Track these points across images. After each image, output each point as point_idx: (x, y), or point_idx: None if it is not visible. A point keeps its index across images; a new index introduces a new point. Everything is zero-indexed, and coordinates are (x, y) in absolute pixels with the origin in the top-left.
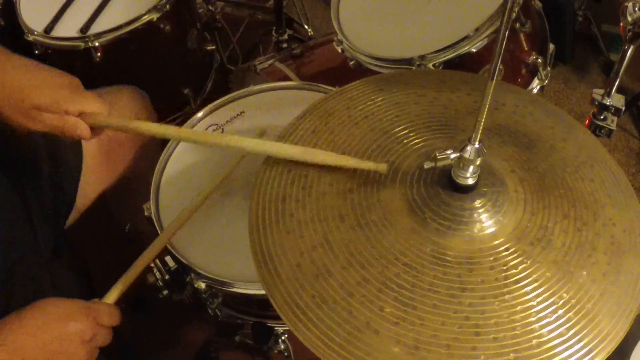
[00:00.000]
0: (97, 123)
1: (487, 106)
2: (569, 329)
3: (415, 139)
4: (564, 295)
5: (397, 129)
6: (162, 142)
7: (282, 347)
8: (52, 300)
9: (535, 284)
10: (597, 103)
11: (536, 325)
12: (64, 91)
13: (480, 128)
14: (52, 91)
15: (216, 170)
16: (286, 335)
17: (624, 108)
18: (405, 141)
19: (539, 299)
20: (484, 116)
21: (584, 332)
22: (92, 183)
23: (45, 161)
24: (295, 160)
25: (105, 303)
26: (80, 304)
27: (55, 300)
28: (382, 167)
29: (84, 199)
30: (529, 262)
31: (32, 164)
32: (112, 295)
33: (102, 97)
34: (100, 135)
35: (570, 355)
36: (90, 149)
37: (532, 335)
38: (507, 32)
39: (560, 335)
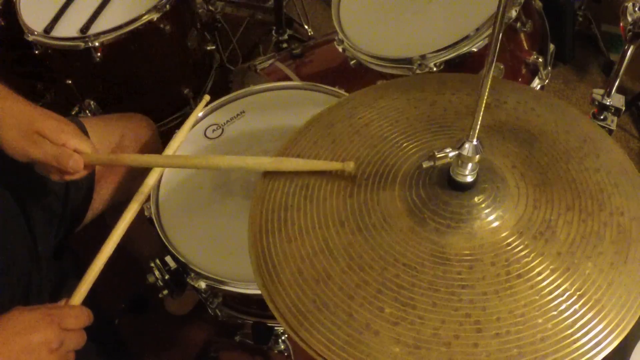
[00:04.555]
0: (88, 161)
1: (483, 102)
2: (575, 321)
3: (415, 142)
4: (569, 287)
5: (396, 134)
6: (162, 143)
7: (282, 347)
8: (13, 313)
9: (539, 278)
10: (597, 103)
11: (540, 320)
12: (68, 127)
13: (478, 124)
14: (57, 122)
15: (215, 170)
16: (286, 335)
17: (624, 108)
18: (404, 145)
19: (542, 292)
20: (481, 113)
21: (592, 323)
22: (102, 194)
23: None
24: (270, 171)
25: (69, 306)
26: (43, 312)
27: (17, 312)
28: (349, 165)
29: (92, 212)
30: (531, 255)
31: (38, 177)
32: (77, 297)
33: (114, 122)
34: (90, 170)
35: (578, 348)
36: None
37: (536, 329)
38: (502, 22)
39: (566, 327)
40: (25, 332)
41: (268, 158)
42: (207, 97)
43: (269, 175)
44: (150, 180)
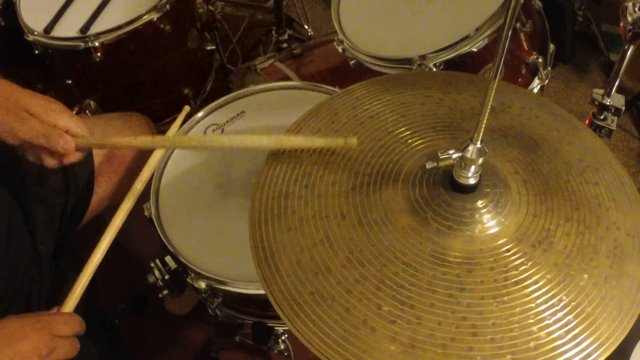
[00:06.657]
0: (80, 144)
1: (489, 106)
2: (567, 332)
3: (419, 139)
4: (564, 298)
5: (401, 129)
6: None
7: (282, 347)
8: (3, 323)
9: (535, 286)
10: (597, 103)
11: (534, 327)
12: (56, 105)
13: (482, 128)
14: (45, 101)
15: (215, 169)
16: (286, 335)
17: (624, 108)
18: (409, 141)
19: (538, 301)
20: (486, 116)
21: (583, 336)
22: (101, 192)
23: (56, 172)
24: (272, 148)
25: (60, 313)
26: (32, 319)
27: (6, 321)
28: (352, 141)
29: (92, 210)
30: (529, 263)
31: (39, 174)
32: (70, 303)
33: (113, 121)
34: (83, 154)
35: (569, 359)
36: (97, 160)
37: (530, 337)
38: (509, 33)
39: (559, 337)
40: (15, 340)
41: (268, 136)
42: (187, 108)
43: (270, 161)
44: (145, 173)
